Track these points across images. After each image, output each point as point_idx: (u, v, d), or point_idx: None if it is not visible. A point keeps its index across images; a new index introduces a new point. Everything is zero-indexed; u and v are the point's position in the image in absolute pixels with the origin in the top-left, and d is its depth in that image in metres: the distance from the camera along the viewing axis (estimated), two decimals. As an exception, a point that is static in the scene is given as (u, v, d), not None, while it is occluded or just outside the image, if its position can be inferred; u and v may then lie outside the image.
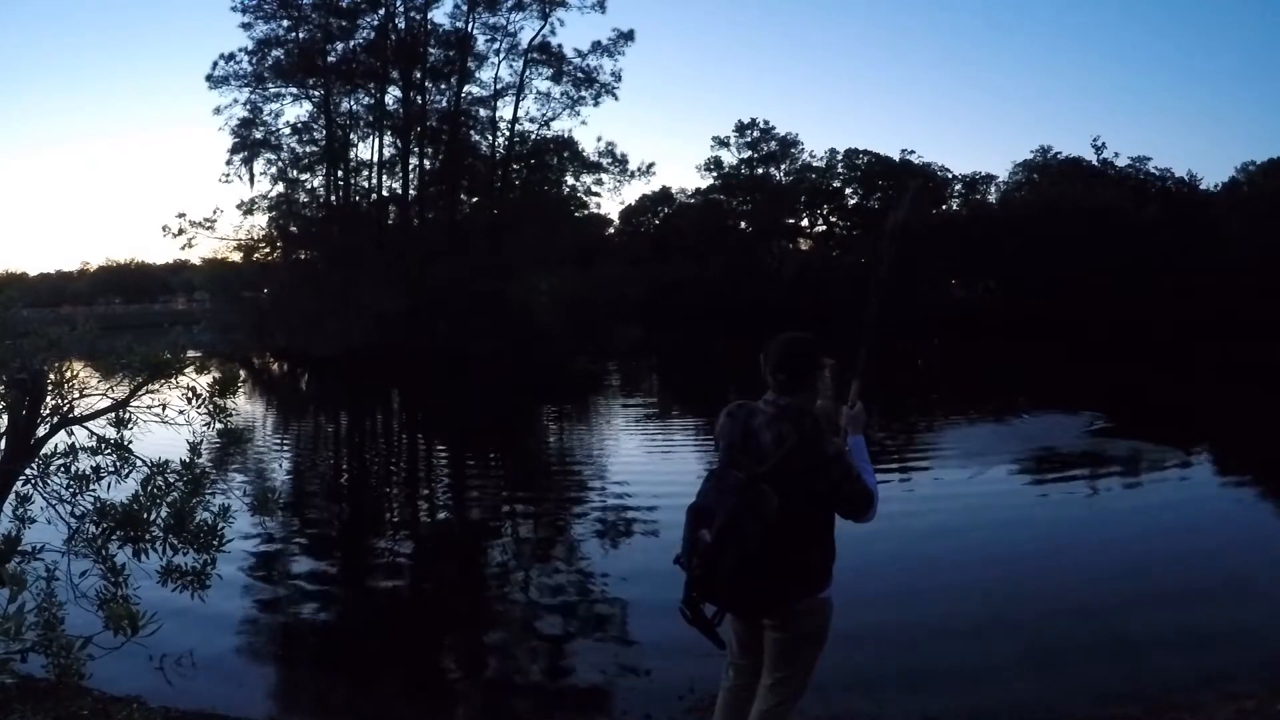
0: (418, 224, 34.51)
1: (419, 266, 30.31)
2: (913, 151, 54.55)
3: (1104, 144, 51.19)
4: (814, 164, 54.50)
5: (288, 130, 33.88)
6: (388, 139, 34.16)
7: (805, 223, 56.22)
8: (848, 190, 54.95)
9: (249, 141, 33.44)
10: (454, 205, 34.91)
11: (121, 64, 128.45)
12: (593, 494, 10.48)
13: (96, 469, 3.67)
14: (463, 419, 18.13)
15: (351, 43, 33.07)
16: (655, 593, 6.01)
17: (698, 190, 55.54)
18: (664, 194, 56.11)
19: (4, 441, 3.67)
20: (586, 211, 40.26)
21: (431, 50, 33.28)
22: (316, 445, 16.12)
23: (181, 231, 31.91)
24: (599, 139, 48.90)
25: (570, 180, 37.01)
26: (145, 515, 3.44)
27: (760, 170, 54.20)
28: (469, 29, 33.07)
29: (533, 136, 35.16)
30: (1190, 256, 38.96)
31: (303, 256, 35.47)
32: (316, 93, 33.45)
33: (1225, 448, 12.76)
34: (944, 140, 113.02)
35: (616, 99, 34.33)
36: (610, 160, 35.72)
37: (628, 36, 33.56)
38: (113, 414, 3.77)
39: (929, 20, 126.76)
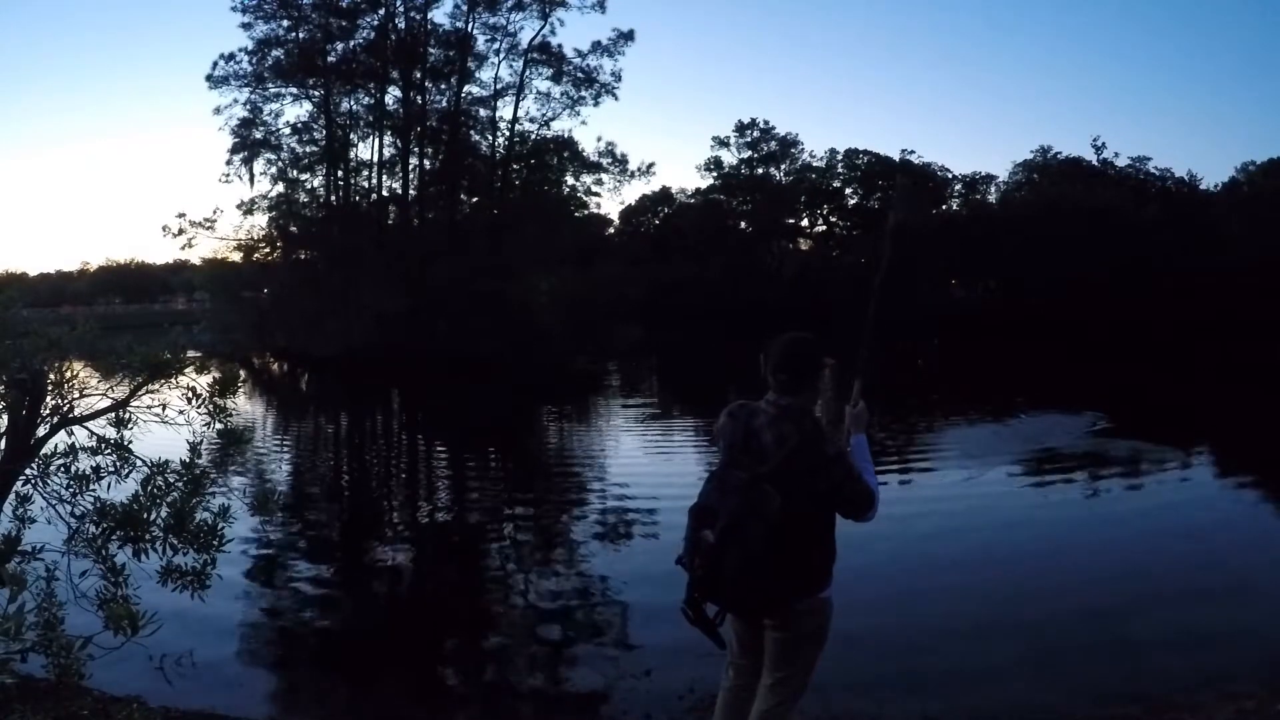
0: (418, 224, 34.51)
1: (419, 266, 30.30)
2: (913, 151, 54.62)
3: (1104, 144, 51.34)
4: (814, 164, 54.66)
5: (288, 130, 33.96)
6: (388, 139, 34.22)
7: (805, 223, 56.32)
8: (848, 190, 55.02)
9: (249, 141, 33.47)
10: (454, 205, 34.91)
11: (121, 64, 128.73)
12: (593, 495, 10.48)
13: (96, 469, 3.67)
14: (463, 419, 18.12)
15: (351, 43, 33.13)
16: (656, 593, 6.01)
17: (698, 190, 55.70)
18: (664, 194, 56.19)
19: (4, 441, 3.67)
20: (586, 211, 40.34)
21: (431, 50, 33.31)
22: (316, 446, 16.12)
23: (181, 231, 31.96)
24: (599, 139, 49.06)
25: (570, 180, 37.10)
26: (145, 515, 3.44)
27: (760, 170, 54.25)
28: (469, 29, 33.13)
29: (533, 136, 35.23)
30: (1190, 256, 38.97)
31: (303, 256, 35.47)
32: (316, 93, 33.48)
33: (1225, 448, 12.76)
34: (944, 140, 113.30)
35: (616, 99, 34.40)
36: (610, 160, 35.79)
37: (628, 36, 33.62)
38: (113, 414, 3.77)
39: (929, 20, 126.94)
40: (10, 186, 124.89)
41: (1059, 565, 7.07)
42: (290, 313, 31.21)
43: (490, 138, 35.16)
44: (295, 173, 34.35)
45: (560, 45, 33.93)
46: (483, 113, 34.67)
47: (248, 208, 33.86)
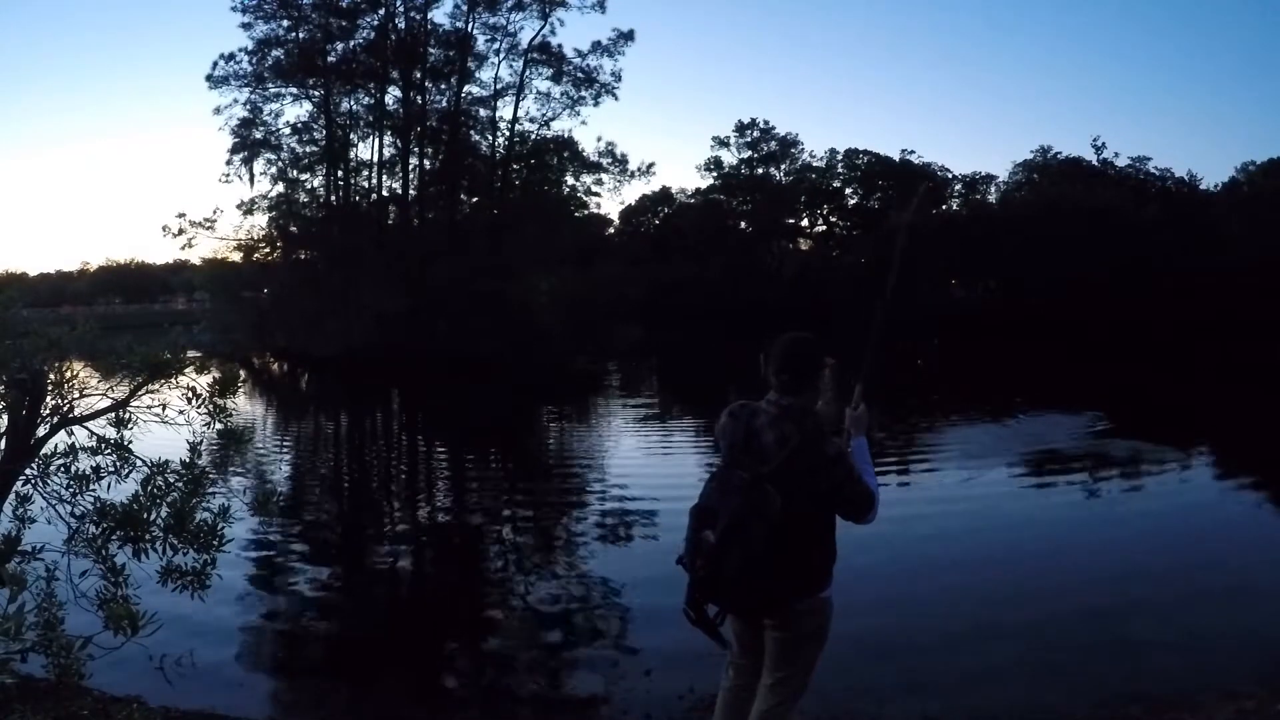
0: (418, 224, 34.52)
1: (419, 266, 30.31)
2: (913, 151, 54.61)
3: (1104, 144, 51.30)
4: (814, 164, 54.67)
5: (288, 130, 33.97)
6: (388, 139, 34.23)
7: (805, 223, 56.32)
8: (848, 190, 55.03)
9: (249, 141, 33.47)
10: (454, 205, 34.92)
11: (121, 64, 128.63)
12: (593, 495, 10.48)
13: (96, 469, 3.66)
14: (463, 419, 18.13)
15: (351, 43, 33.14)
16: (656, 593, 6.02)
17: (698, 190, 55.69)
18: (664, 194, 56.19)
19: (4, 441, 3.67)
20: (586, 211, 40.33)
21: (431, 50, 33.32)
22: (316, 446, 16.12)
23: (181, 231, 31.97)
24: (599, 139, 49.02)
25: (570, 180, 37.11)
26: (145, 515, 3.44)
27: (760, 170, 54.25)
28: (469, 29, 33.14)
29: (533, 136, 35.23)
30: (1190, 256, 38.96)
31: (303, 256, 35.48)
32: (316, 93, 33.48)
33: (1225, 448, 12.76)
34: (944, 140, 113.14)
35: (616, 99, 34.41)
36: (610, 160, 35.79)
37: (628, 36, 33.63)
38: (113, 414, 3.76)
39: (929, 20, 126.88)
40: (10, 186, 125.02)
41: (1059, 565, 7.07)
42: (290, 313, 31.22)
43: (490, 138, 35.24)
44: (295, 173, 34.43)
45: (560, 45, 34.01)
46: (483, 113, 34.76)
47: (248, 208, 33.93)
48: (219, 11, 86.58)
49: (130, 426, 3.77)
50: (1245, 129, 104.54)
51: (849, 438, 2.92)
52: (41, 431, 3.69)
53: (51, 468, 3.64)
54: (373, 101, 33.94)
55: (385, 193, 34.96)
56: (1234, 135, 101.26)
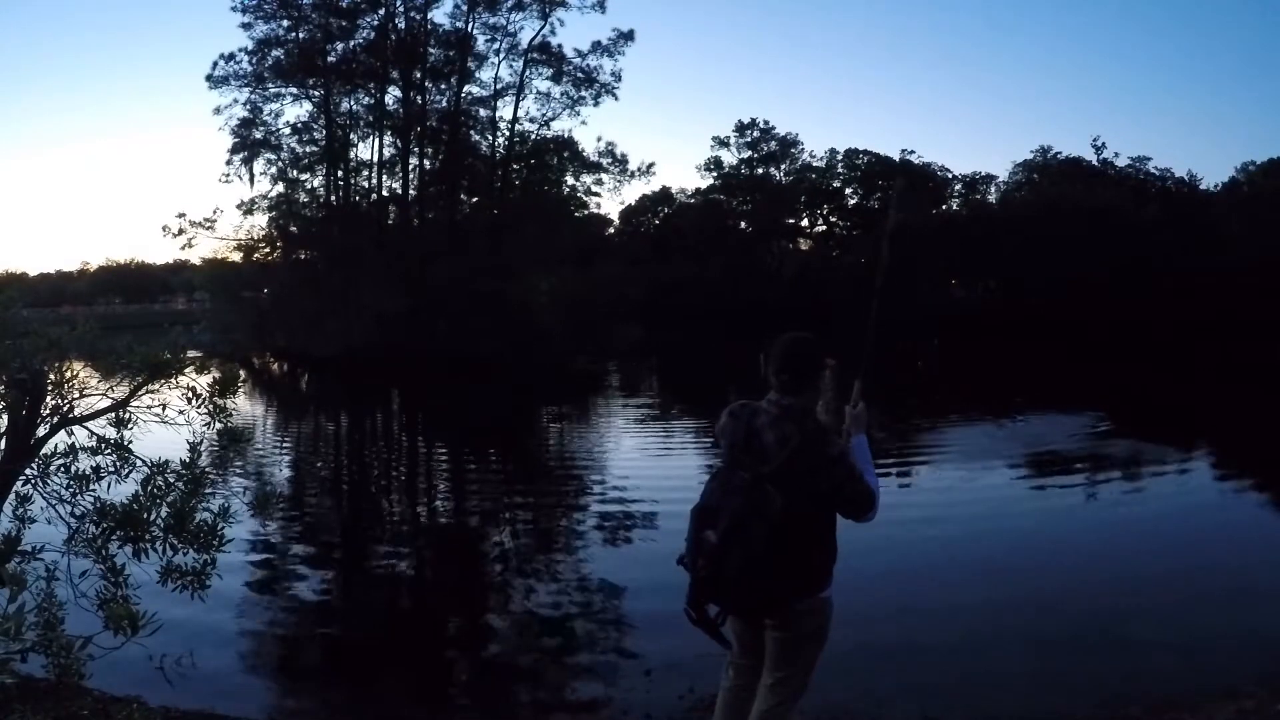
0: (418, 224, 34.52)
1: (419, 266, 30.31)
2: (913, 151, 54.59)
3: (1104, 144, 51.30)
4: (814, 164, 54.62)
5: (288, 130, 33.96)
6: (388, 139, 34.23)
7: (805, 223, 56.29)
8: (848, 190, 55.01)
9: (249, 141, 33.47)
10: (454, 205, 34.92)
11: (121, 64, 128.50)
12: (593, 495, 10.48)
13: (96, 469, 3.66)
14: (463, 419, 18.13)
15: (351, 43, 33.14)
16: (655, 593, 6.01)
17: (698, 190, 55.68)
18: (664, 194, 56.18)
19: (4, 441, 3.67)
20: (586, 211, 40.33)
21: (431, 50, 33.32)
22: (317, 446, 16.12)
23: (181, 231, 31.97)
24: (599, 139, 48.95)
25: (570, 180, 37.11)
26: (145, 515, 3.43)
27: (760, 170, 54.24)
28: (469, 29, 33.14)
29: (533, 136, 35.23)
30: (1190, 256, 38.96)
31: (303, 256, 35.48)
32: (316, 93, 33.48)
33: (1225, 448, 12.77)
34: (944, 140, 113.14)
35: (616, 99, 34.41)
36: (610, 160, 35.79)
37: (628, 36, 33.63)
38: (113, 414, 3.76)
39: (929, 20, 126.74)
40: (10, 186, 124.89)
41: (1059, 565, 7.07)
42: (290, 313, 31.22)
43: (490, 138, 35.24)
44: (295, 173, 34.43)
45: (560, 45, 34.00)
46: (483, 113, 34.76)
47: (248, 208, 33.93)
48: (219, 11, 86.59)
49: (130, 426, 3.77)
50: (1245, 129, 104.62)
51: (849, 436, 2.92)
52: (41, 431, 3.69)
53: (51, 468, 3.64)
54: (373, 101, 33.98)
55: (385, 193, 35.01)
56: (1234, 135, 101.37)
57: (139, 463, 3.66)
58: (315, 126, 34.03)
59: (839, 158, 54.40)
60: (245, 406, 18.44)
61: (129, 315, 57.51)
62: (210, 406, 3.78)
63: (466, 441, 15.37)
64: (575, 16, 33.95)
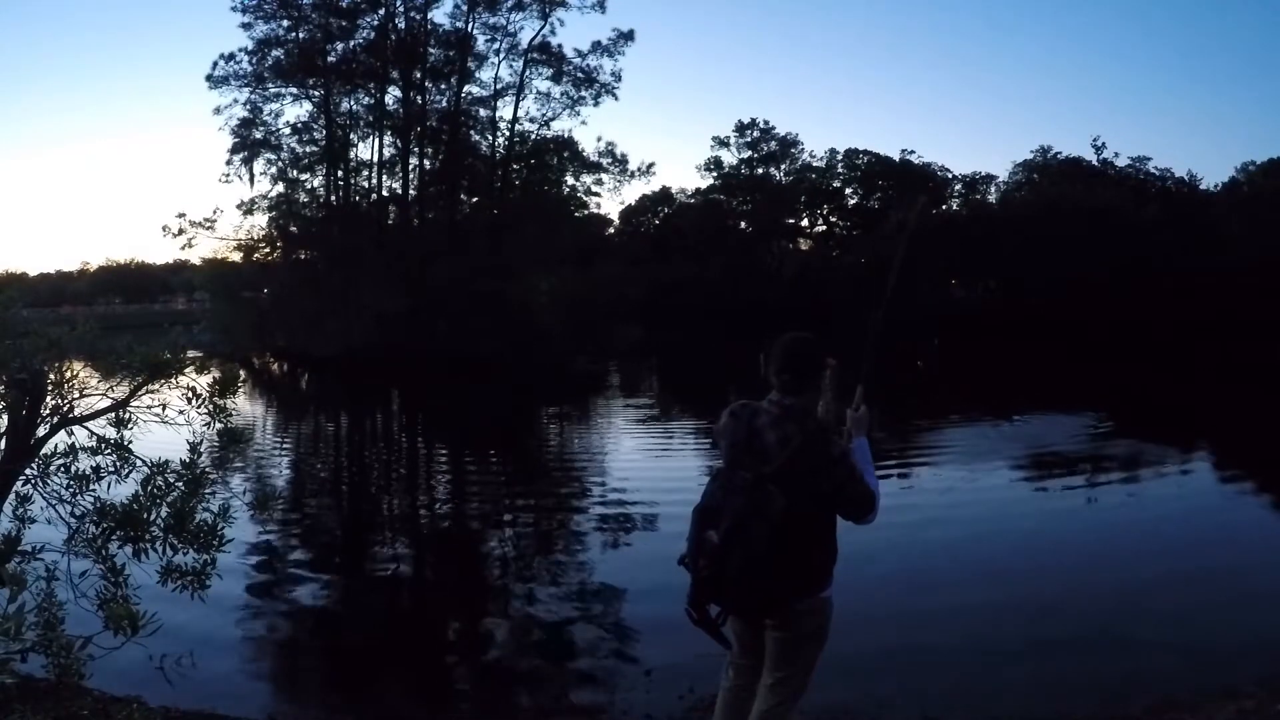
0: (418, 224, 34.51)
1: (419, 266, 30.31)
2: (913, 151, 54.47)
3: (1104, 144, 51.24)
4: (814, 164, 54.57)
5: (288, 130, 33.95)
6: (388, 139, 34.22)
7: (805, 223, 56.25)
8: (848, 190, 54.98)
9: (249, 141, 33.46)
10: (454, 205, 34.92)
11: (121, 64, 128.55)
12: (593, 495, 10.48)
13: (96, 469, 3.66)
14: (463, 419, 18.13)
15: (351, 43, 33.12)
16: (655, 593, 6.02)
17: (698, 190, 55.63)
18: (664, 194, 56.13)
19: (4, 441, 3.67)
20: (586, 211, 40.31)
21: (431, 50, 33.32)
22: (316, 446, 16.12)
23: (181, 231, 31.96)
24: (599, 139, 48.93)
25: (570, 180, 37.10)
26: (145, 515, 3.43)
27: (760, 170, 54.20)
28: (469, 29, 33.13)
29: (533, 136, 35.23)
30: (1190, 256, 38.93)
31: (303, 256, 35.47)
32: (316, 93, 33.48)
33: (1225, 448, 12.77)
34: (944, 140, 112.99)
35: (616, 99, 34.40)
36: (610, 160, 35.79)
37: (628, 36, 33.63)
38: (113, 414, 3.76)
39: (929, 20, 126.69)
40: (10, 186, 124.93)
41: (1059, 565, 7.07)
42: (290, 313, 31.22)
43: (490, 138, 35.23)
44: (295, 173, 34.41)
45: (560, 45, 34.00)
46: (483, 113, 34.75)
47: (248, 208, 33.92)
48: (219, 11, 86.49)
49: (130, 426, 3.77)
50: (1245, 129, 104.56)
51: (850, 437, 2.93)
52: (41, 431, 3.69)
53: (51, 468, 3.64)
54: (373, 101, 33.97)
55: (385, 193, 35.00)
56: (1234, 135, 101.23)
57: (139, 463, 3.66)
58: (315, 126, 34.07)
59: (839, 158, 54.44)
60: (245, 406, 18.45)
61: (129, 315, 57.53)
62: (210, 406, 3.78)
63: (466, 442, 15.37)
64: (575, 16, 34.01)
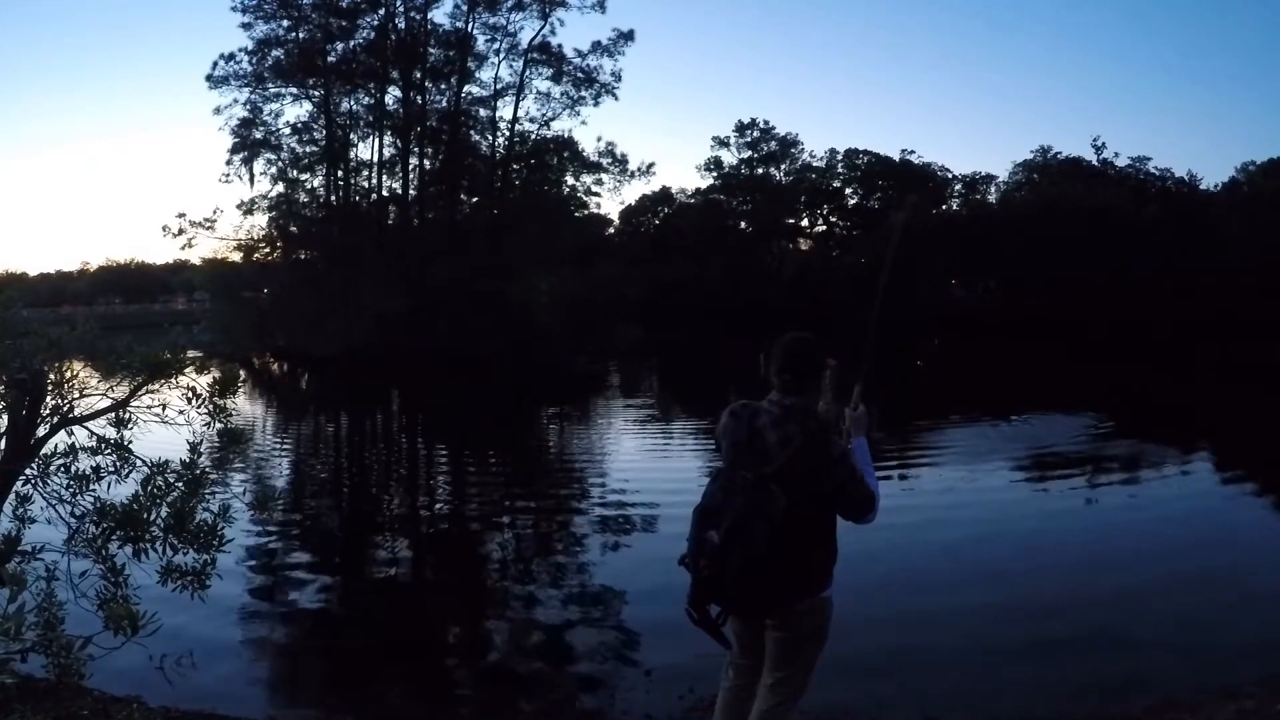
0: (418, 224, 34.51)
1: (419, 266, 30.31)
2: (913, 151, 54.53)
3: (1104, 144, 51.28)
4: (814, 164, 54.62)
5: (288, 130, 33.95)
6: (388, 139, 34.22)
7: (805, 223, 56.29)
8: (848, 190, 55.01)
9: (249, 141, 33.46)
10: (454, 205, 34.91)
11: (121, 64, 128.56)
12: (593, 496, 10.48)
13: (96, 469, 3.66)
14: (463, 419, 18.13)
15: (351, 43, 33.13)
16: (655, 593, 6.02)
17: (698, 190, 55.66)
18: (664, 194, 56.16)
19: (4, 441, 3.66)
20: (586, 211, 40.32)
21: (431, 50, 33.32)
22: (316, 446, 16.12)
23: (181, 231, 31.96)
24: (599, 139, 48.93)
25: (570, 180, 37.10)
26: (145, 515, 3.43)
27: (760, 170, 54.23)
28: (469, 29, 33.14)
29: (533, 136, 35.23)
30: (1190, 256, 38.93)
31: (303, 256, 35.46)
32: (316, 93, 33.47)
33: (1225, 448, 12.76)
34: (944, 140, 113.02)
35: (616, 99, 34.40)
36: (610, 160, 35.79)
37: (628, 36, 33.63)
38: (113, 414, 3.76)
39: (929, 20, 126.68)
40: (10, 186, 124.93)
41: (1059, 565, 7.07)
42: (290, 313, 31.22)
43: (490, 138, 35.24)
44: (295, 173, 34.41)
45: (560, 45, 34.00)
46: (483, 113, 34.75)
47: (248, 208, 33.91)
48: (219, 11, 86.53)
49: (130, 426, 3.77)
50: (1245, 129, 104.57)
51: (849, 437, 2.93)
52: (41, 431, 3.69)
53: (51, 468, 3.63)
54: (373, 101, 33.98)
55: (385, 193, 35.00)
56: (1234, 135, 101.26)
57: (139, 463, 3.65)
58: (315, 126, 34.07)
59: (839, 158, 54.48)
60: (245, 406, 18.45)
61: (129, 315, 57.56)
62: (210, 406, 3.78)
63: (466, 442, 15.36)
64: (575, 16, 34.00)
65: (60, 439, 3.72)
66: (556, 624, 6.12)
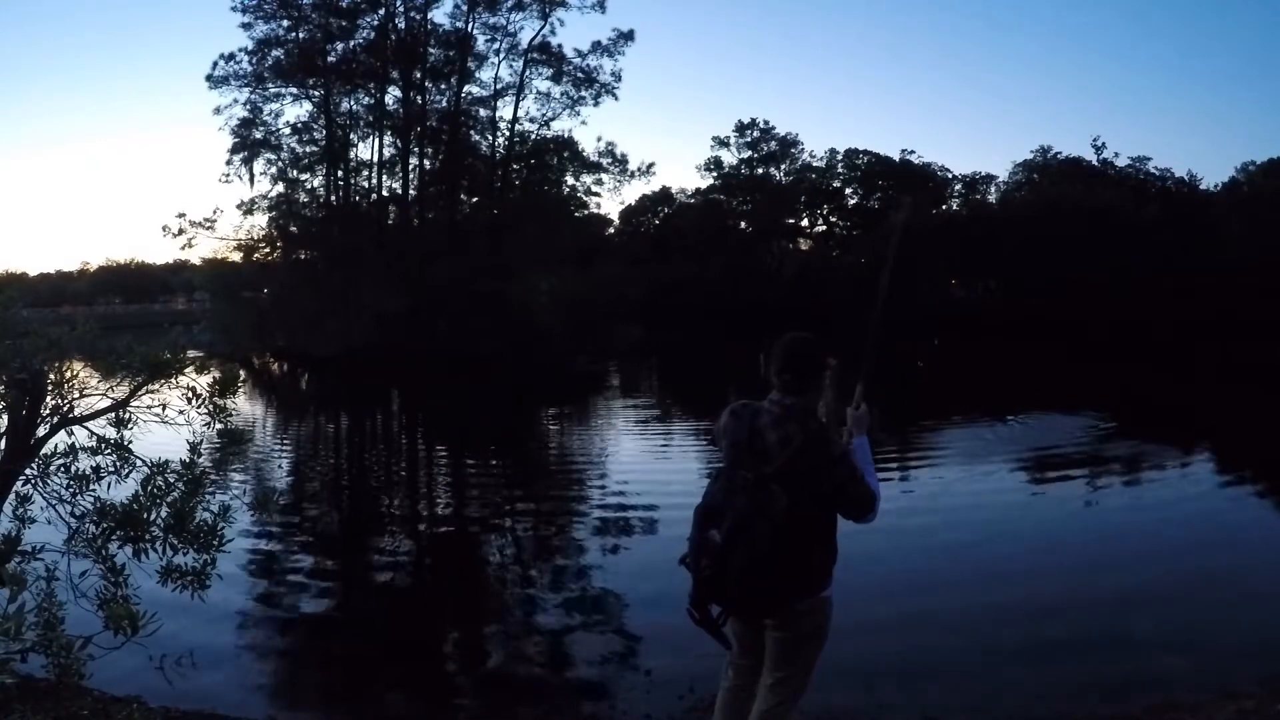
0: (418, 224, 34.51)
1: (419, 266, 30.31)
2: (913, 151, 54.48)
3: (1104, 144, 51.22)
4: (814, 164, 54.60)
5: (288, 130, 33.95)
6: (388, 139, 34.22)
7: (805, 223, 56.27)
8: (848, 190, 55.00)
9: (249, 141, 33.46)
10: (454, 205, 34.92)
11: (121, 64, 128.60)
12: (593, 496, 10.48)
13: (96, 469, 3.66)
14: (463, 419, 18.12)
15: (351, 43, 33.13)
16: (655, 592, 6.02)
17: (698, 190, 55.66)
18: (664, 194, 56.16)
19: (4, 441, 3.66)
20: (586, 211, 40.31)
21: (431, 50, 33.32)
22: (316, 446, 16.12)
23: (181, 231, 31.97)
24: (599, 139, 48.93)
25: (570, 180, 37.09)
26: (145, 515, 3.43)
27: (760, 170, 54.22)
28: (469, 29, 33.14)
29: (533, 136, 35.23)
30: (1190, 256, 38.92)
31: (303, 256, 35.46)
32: (316, 93, 33.47)
33: (1225, 448, 12.76)
34: (944, 140, 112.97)
35: (616, 99, 34.41)
36: (610, 160, 35.78)
37: (628, 36, 33.63)
38: (113, 414, 3.76)
39: (929, 20, 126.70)
40: (10, 186, 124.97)
41: (1059, 565, 7.07)
42: (290, 313, 31.22)
43: (490, 138, 35.24)
44: (295, 173, 34.40)
45: (560, 45, 34.00)
46: (483, 113, 34.75)
47: (248, 208, 33.92)
48: (219, 11, 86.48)
49: (130, 426, 3.77)
50: (1245, 129, 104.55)
51: (850, 437, 2.93)
52: (41, 431, 3.69)
53: (51, 468, 3.63)
54: (373, 101, 33.97)
55: (385, 193, 35.00)
56: (1234, 135, 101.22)
57: (139, 463, 3.65)
58: (315, 126, 34.07)
59: (839, 158, 54.45)
60: (245, 407, 18.45)
61: (129, 315, 57.57)
62: (210, 406, 3.78)
63: (466, 442, 15.36)
64: (575, 16, 34.02)
65: (60, 439, 3.72)
66: (556, 625, 6.12)
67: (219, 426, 3.82)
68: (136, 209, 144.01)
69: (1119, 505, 9.36)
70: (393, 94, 33.96)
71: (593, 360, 28.79)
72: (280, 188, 34.25)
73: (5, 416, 3.70)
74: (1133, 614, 5.80)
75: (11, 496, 3.66)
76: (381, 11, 32.88)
